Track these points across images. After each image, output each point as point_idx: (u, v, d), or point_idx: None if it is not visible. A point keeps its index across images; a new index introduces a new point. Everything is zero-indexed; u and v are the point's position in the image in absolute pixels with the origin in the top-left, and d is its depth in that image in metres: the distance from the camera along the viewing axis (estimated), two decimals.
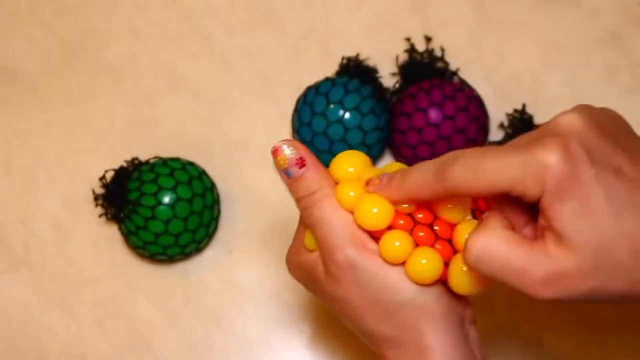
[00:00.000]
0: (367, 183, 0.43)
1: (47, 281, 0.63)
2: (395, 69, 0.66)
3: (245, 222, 0.64)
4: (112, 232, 0.63)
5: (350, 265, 0.42)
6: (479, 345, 0.43)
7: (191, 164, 0.61)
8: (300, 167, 0.44)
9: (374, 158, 0.63)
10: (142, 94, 0.67)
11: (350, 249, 0.42)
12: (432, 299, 0.42)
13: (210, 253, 0.63)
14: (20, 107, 0.68)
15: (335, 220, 0.42)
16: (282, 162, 0.44)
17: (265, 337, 0.61)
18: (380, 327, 0.43)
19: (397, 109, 0.63)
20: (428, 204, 0.42)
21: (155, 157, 0.62)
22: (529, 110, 0.64)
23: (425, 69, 0.63)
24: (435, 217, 0.42)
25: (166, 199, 0.58)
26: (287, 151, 0.44)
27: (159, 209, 0.58)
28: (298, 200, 0.44)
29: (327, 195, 0.43)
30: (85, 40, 0.69)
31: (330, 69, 0.67)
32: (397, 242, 0.41)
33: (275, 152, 0.44)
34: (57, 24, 0.70)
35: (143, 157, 0.64)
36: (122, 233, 0.61)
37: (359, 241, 0.42)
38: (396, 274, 0.41)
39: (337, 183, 0.44)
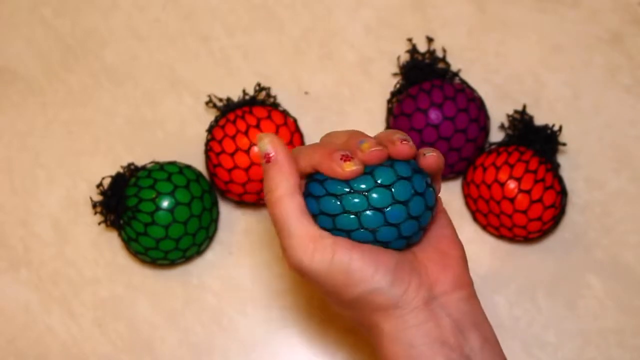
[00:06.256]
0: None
1: (48, 282, 0.63)
2: (395, 69, 0.67)
3: (245, 223, 0.64)
4: (112, 232, 0.63)
5: (300, 270, 0.45)
6: (463, 312, 0.45)
7: (188, 167, 0.61)
8: (267, 162, 0.46)
9: None
10: (142, 94, 0.67)
11: (299, 256, 0.44)
12: (381, 292, 0.44)
13: (211, 254, 0.63)
14: (20, 108, 0.68)
15: (288, 225, 0.45)
16: (259, 150, 0.47)
17: (265, 338, 0.61)
18: (345, 312, 0.47)
19: (397, 110, 0.63)
20: None
21: (151, 162, 0.62)
22: (529, 110, 0.64)
23: (426, 70, 0.63)
24: None
25: (165, 204, 0.58)
26: (261, 143, 0.47)
27: (158, 214, 0.58)
28: (265, 196, 0.47)
29: (281, 197, 0.45)
30: (85, 40, 0.69)
31: (330, 69, 0.67)
32: None
33: (258, 139, 0.47)
34: (57, 24, 0.70)
35: (143, 157, 0.64)
36: (122, 240, 0.61)
37: (307, 249, 0.44)
38: (343, 276, 0.44)
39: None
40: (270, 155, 0.46)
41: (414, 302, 0.44)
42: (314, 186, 0.46)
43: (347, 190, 0.45)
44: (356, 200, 0.45)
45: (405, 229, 0.45)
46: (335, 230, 0.45)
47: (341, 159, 0.45)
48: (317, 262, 0.44)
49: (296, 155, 0.47)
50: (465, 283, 0.46)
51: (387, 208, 0.45)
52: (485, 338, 0.45)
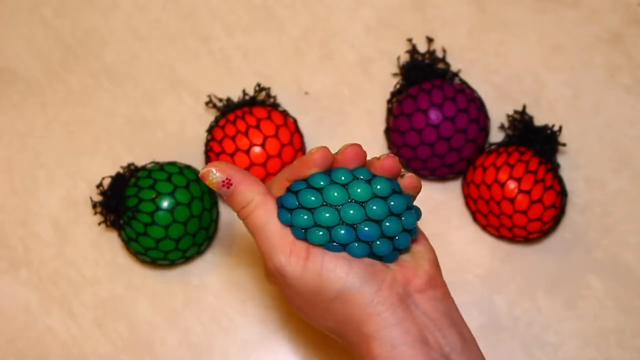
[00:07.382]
0: None
1: (48, 282, 0.63)
2: (395, 69, 0.67)
3: None
4: (112, 232, 0.63)
5: (279, 272, 0.45)
6: (439, 311, 0.45)
7: (188, 167, 0.61)
8: (228, 187, 0.47)
9: None
10: (142, 94, 0.67)
11: (278, 256, 0.45)
12: (355, 291, 0.44)
13: (211, 254, 0.63)
14: (20, 108, 0.68)
15: (265, 230, 0.46)
16: (212, 185, 0.47)
17: (265, 337, 0.61)
18: (325, 322, 0.47)
19: (397, 110, 0.63)
20: None
21: (151, 162, 0.62)
22: (529, 111, 0.64)
23: (426, 70, 0.63)
24: None
25: (165, 204, 0.58)
26: (212, 176, 0.47)
27: (158, 215, 0.58)
28: (237, 214, 0.47)
29: (257, 206, 0.46)
30: (85, 40, 0.69)
31: (330, 69, 0.67)
32: None
33: (203, 177, 0.47)
34: (57, 24, 0.70)
35: (143, 158, 0.64)
36: (122, 240, 0.61)
37: (285, 249, 0.45)
38: (317, 279, 0.44)
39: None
40: (228, 179, 0.47)
41: (389, 298, 0.44)
42: (288, 198, 0.46)
43: (320, 203, 0.45)
44: (327, 214, 0.45)
45: (378, 248, 0.45)
46: (307, 242, 0.45)
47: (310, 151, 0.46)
48: (292, 264, 0.44)
49: (271, 182, 0.48)
50: (439, 284, 0.46)
51: (359, 225, 0.45)
52: (464, 337, 0.45)
